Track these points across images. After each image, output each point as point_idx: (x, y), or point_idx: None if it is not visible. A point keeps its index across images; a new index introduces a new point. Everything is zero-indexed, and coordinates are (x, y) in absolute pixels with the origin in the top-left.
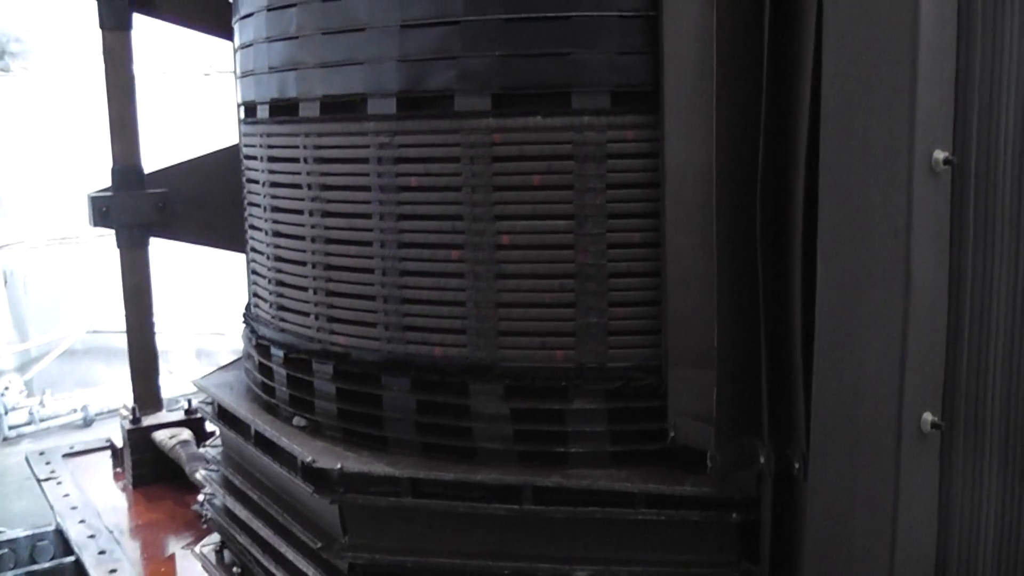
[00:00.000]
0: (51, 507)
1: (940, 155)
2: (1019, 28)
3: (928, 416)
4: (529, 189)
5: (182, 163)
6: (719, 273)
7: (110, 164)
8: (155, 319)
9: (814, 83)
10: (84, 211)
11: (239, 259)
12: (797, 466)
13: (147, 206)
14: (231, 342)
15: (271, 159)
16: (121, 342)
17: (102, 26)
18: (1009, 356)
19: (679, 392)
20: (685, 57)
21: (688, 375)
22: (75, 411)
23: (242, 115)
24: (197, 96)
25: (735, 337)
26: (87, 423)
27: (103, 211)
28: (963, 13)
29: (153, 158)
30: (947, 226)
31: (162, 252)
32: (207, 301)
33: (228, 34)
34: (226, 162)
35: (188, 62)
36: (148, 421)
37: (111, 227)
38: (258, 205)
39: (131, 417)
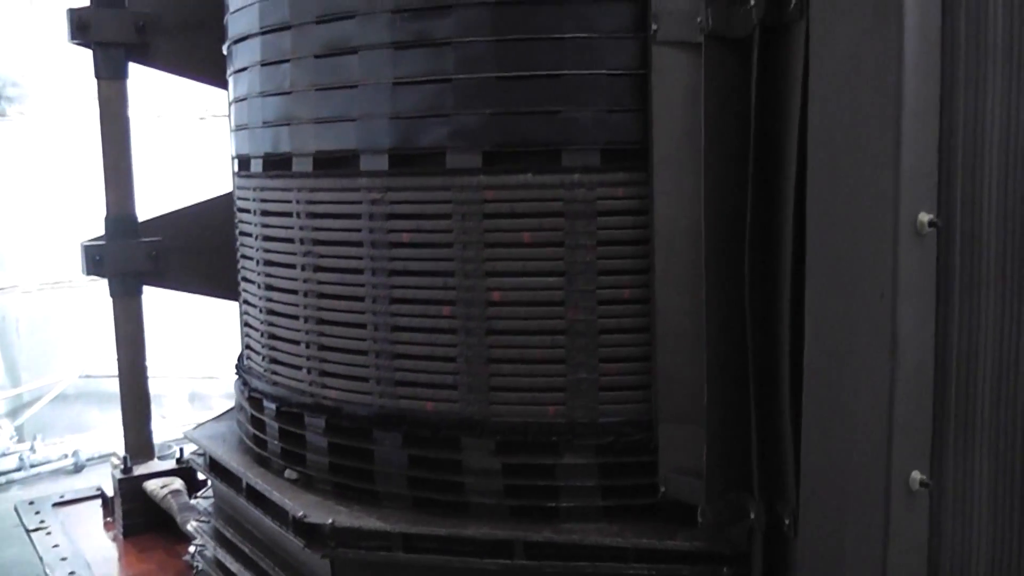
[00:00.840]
0: (40, 559)
1: (925, 218)
2: (1001, 93)
3: (916, 475)
4: (520, 246)
5: (176, 211)
6: (709, 330)
7: (104, 212)
8: (148, 364)
9: (800, 143)
10: (77, 258)
11: (232, 303)
12: (787, 522)
13: (140, 255)
14: (224, 386)
15: (264, 213)
16: (114, 386)
17: (98, 76)
18: (996, 416)
19: (669, 447)
20: (674, 115)
21: (678, 431)
22: (66, 456)
23: (236, 168)
24: (192, 140)
25: (725, 394)
26: (78, 469)
27: (96, 260)
28: (946, 78)
29: (147, 203)
30: (933, 288)
31: (155, 295)
32: (200, 344)
33: (223, 83)
34: (220, 211)
35: (183, 106)
36: (140, 470)
37: (104, 276)
38: (251, 258)
39: (122, 466)
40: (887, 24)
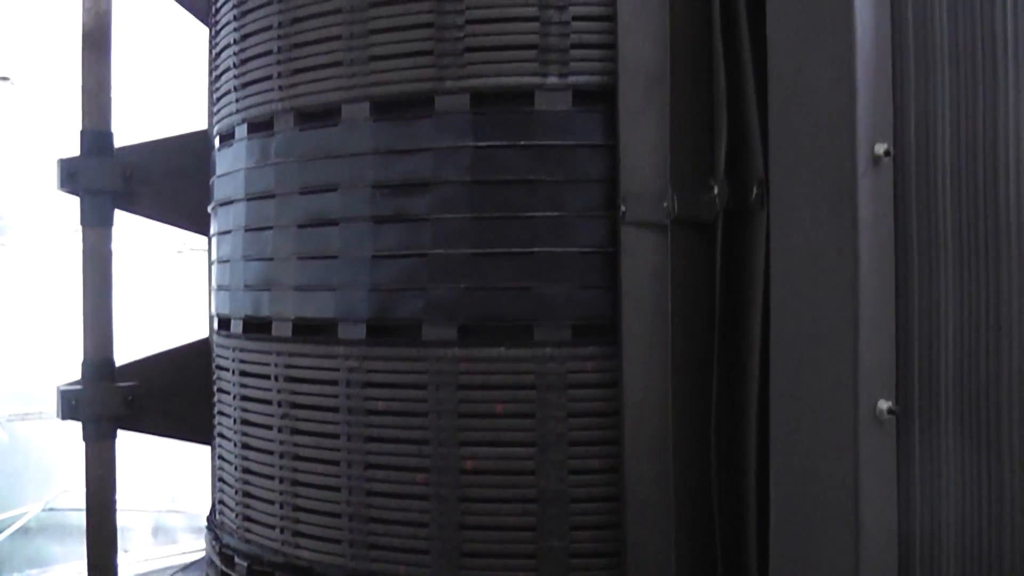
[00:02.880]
0: None
1: (884, 404)
2: (953, 281)
3: None
4: (493, 416)
5: (152, 356)
6: (676, 501)
7: (81, 355)
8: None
9: (763, 326)
10: (52, 399)
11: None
12: None
13: (116, 400)
14: (189, 519)
15: (243, 373)
16: (78, 519)
17: (84, 223)
18: None
19: None
20: (642, 293)
21: None
22: None
23: (215, 326)
24: (169, 273)
25: (693, 564)
26: None
27: (72, 404)
28: (900, 267)
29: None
30: (894, 471)
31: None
32: (165, 476)
33: (206, 231)
34: (196, 356)
35: (161, 238)
36: None
37: (79, 420)
38: (228, 415)
39: None
40: (843, 218)
